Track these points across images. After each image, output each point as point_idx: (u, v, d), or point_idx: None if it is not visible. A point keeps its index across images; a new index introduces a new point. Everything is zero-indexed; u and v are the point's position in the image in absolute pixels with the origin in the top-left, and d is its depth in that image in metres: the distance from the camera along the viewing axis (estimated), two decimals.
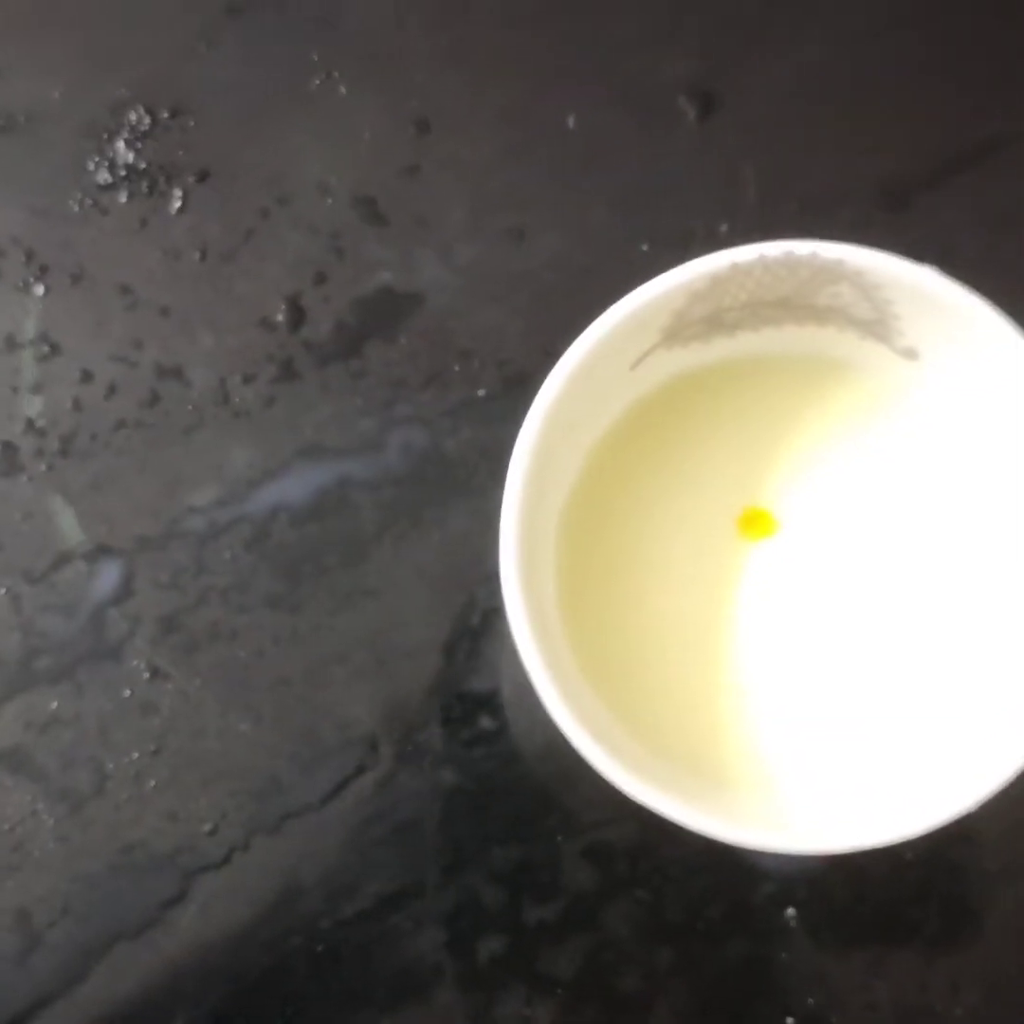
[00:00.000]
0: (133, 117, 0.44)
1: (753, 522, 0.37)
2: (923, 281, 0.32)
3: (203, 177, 0.44)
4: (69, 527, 0.43)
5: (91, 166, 0.44)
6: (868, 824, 0.32)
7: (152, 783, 0.42)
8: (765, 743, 0.36)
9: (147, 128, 0.44)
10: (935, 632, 0.36)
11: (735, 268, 0.32)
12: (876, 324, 0.34)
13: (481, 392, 0.43)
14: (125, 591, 0.42)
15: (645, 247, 0.44)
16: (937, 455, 0.37)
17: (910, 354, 0.35)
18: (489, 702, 0.42)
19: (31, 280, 0.44)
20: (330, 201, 0.44)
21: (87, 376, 0.43)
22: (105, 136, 0.44)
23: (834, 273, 0.33)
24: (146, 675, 0.42)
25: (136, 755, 0.42)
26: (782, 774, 0.36)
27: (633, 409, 0.36)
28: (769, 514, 0.37)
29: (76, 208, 0.44)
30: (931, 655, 0.36)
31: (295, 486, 0.43)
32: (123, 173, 0.44)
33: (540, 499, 0.33)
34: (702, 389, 0.36)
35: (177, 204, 0.44)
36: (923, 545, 0.37)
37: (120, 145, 0.44)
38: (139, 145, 0.44)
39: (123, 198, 0.44)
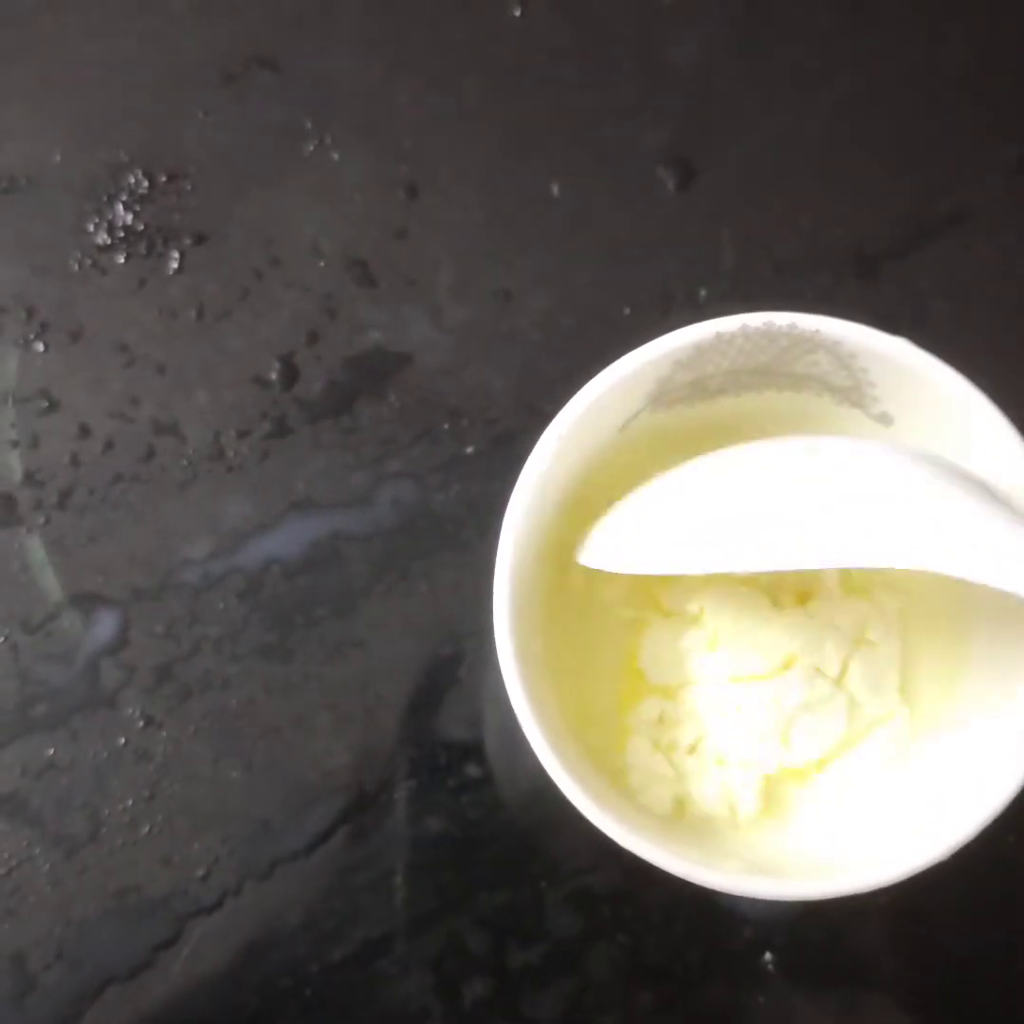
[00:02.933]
0: (132, 180, 0.46)
1: None
2: (897, 352, 0.33)
3: (199, 239, 0.45)
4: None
5: (91, 227, 0.45)
6: (846, 872, 0.32)
7: (146, 829, 0.42)
8: (744, 794, 0.37)
9: (145, 191, 0.46)
10: (916, 678, 0.37)
11: (718, 337, 0.33)
12: (852, 391, 0.35)
13: (469, 449, 0.44)
14: (121, 641, 0.43)
15: (627, 310, 0.45)
16: None
17: (885, 419, 0.36)
18: (475, 751, 0.43)
19: (31, 337, 0.45)
20: (322, 263, 0.45)
21: (85, 431, 0.44)
22: (105, 198, 0.46)
23: (812, 342, 0.34)
24: (140, 723, 0.43)
25: (130, 801, 0.43)
26: (761, 823, 0.37)
27: (621, 469, 0.37)
28: None
29: (76, 268, 0.45)
30: (909, 703, 0.37)
31: (287, 539, 0.44)
32: (122, 234, 0.45)
33: (530, 555, 0.34)
34: (684, 450, 0.37)
35: (174, 265, 0.45)
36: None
37: (119, 207, 0.45)
38: (137, 208, 0.45)
39: (121, 259, 0.45)
